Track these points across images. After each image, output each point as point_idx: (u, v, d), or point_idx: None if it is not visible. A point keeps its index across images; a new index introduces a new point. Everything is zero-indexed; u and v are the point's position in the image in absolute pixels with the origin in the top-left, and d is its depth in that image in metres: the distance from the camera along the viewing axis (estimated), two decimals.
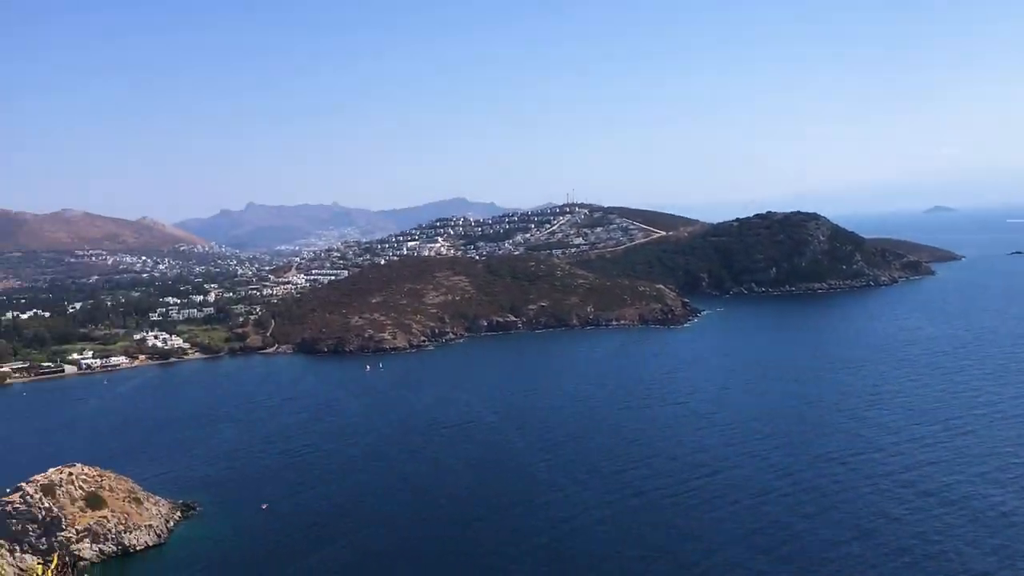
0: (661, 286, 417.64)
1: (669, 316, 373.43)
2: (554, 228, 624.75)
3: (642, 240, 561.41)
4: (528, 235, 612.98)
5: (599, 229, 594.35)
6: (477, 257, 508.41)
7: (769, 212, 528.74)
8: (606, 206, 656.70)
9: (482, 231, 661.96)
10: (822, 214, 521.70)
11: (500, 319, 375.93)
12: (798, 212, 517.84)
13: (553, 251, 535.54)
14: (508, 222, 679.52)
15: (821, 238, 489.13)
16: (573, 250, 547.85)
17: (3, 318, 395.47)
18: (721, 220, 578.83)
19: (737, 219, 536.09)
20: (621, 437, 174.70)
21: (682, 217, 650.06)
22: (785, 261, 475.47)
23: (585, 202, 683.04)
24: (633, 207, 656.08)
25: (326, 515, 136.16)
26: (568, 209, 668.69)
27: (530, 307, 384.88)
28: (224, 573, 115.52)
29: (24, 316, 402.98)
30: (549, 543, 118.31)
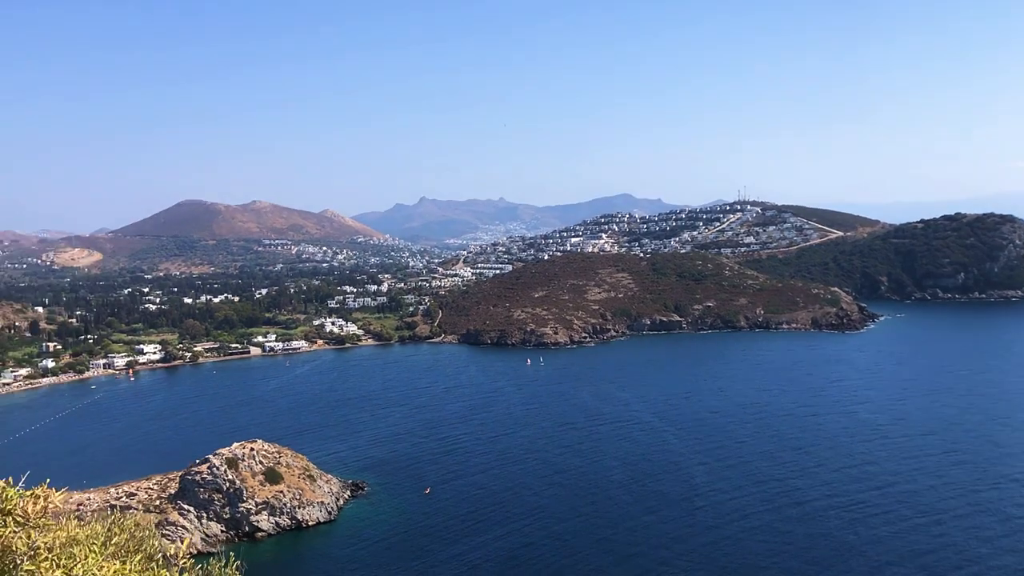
0: (836, 289, 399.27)
1: (844, 321, 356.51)
2: (723, 226, 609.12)
3: (817, 240, 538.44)
4: (696, 233, 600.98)
5: (771, 228, 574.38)
6: (642, 254, 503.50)
7: (958, 213, 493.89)
8: (779, 204, 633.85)
9: (647, 228, 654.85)
10: (1020, 217, 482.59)
11: (663, 318, 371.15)
12: (991, 214, 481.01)
13: (722, 250, 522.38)
14: (675, 219, 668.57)
15: (1018, 242, 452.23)
16: (743, 249, 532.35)
17: (198, 301, 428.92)
18: (904, 221, 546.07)
19: (922, 220, 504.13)
20: (784, 444, 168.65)
21: (860, 217, 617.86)
22: (975, 266, 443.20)
23: (757, 200, 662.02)
24: (808, 206, 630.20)
25: (484, 503, 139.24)
26: (739, 207, 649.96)
27: (695, 307, 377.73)
28: (389, 553, 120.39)
29: (216, 300, 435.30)
30: (702, 548, 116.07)
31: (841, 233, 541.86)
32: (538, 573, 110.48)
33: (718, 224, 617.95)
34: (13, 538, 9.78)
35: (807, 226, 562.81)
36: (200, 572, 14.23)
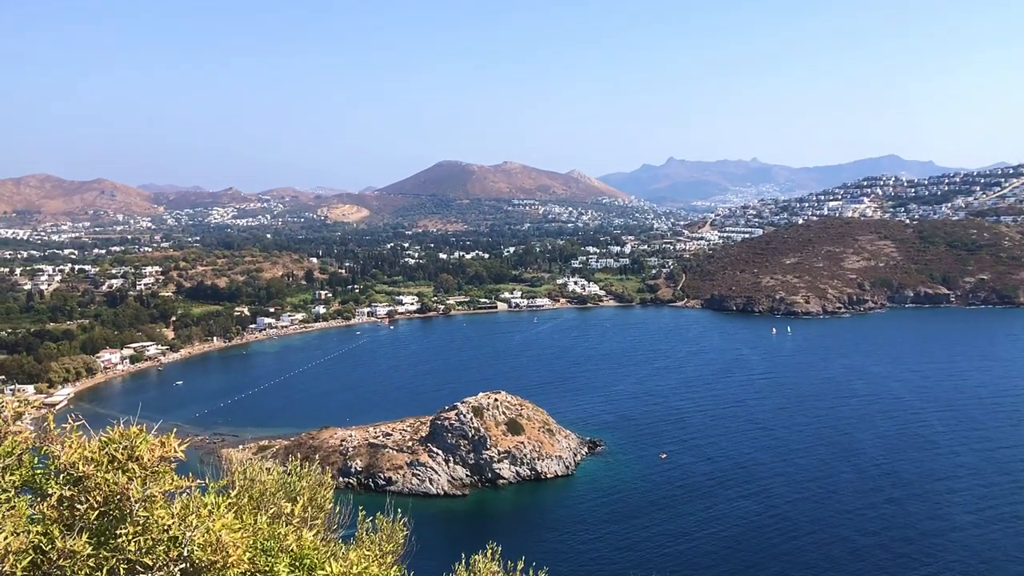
0: None
1: None
2: (1004, 191, 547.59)
3: None
4: (971, 198, 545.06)
5: None
6: (907, 221, 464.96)
7: None
8: None
9: (915, 192, 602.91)
10: None
11: (929, 291, 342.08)
12: None
13: (1001, 218, 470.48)
14: (947, 183, 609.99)
15: None
16: None
17: (451, 257, 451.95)
18: None
19: None
20: None
21: None
22: None
23: None
24: None
25: (720, 472, 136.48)
26: None
27: (967, 280, 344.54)
28: (623, 511, 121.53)
29: (468, 256, 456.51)
30: (950, 546, 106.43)
31: None
32: (780, 544, 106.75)
33: (998, 189, 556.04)
34: (129, 486, 9.81)
35: None
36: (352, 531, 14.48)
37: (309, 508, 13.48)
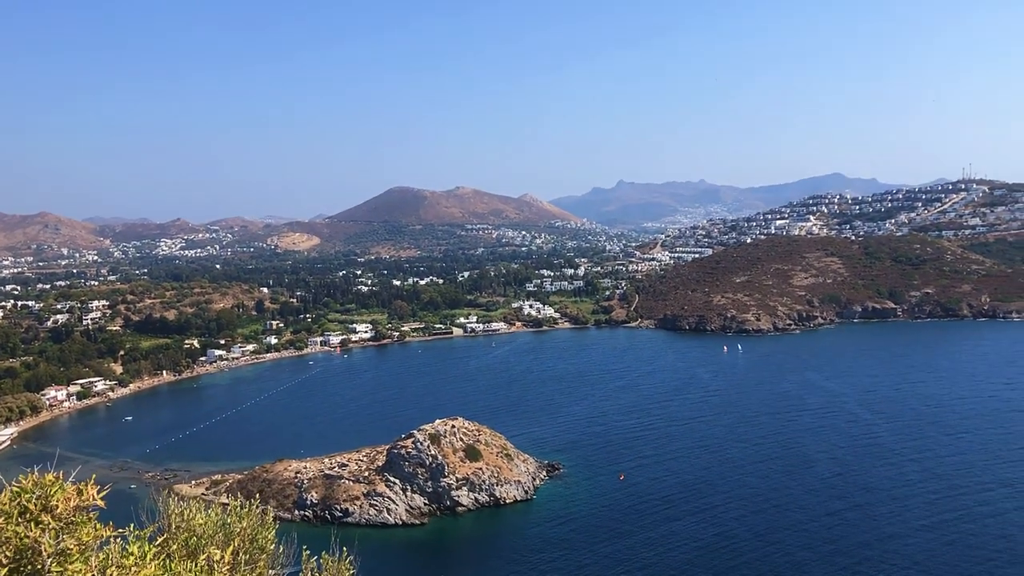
0: None
1: None
2: (945, 207, 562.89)
3: None
4: (914, 214, 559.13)
5: (1000, 209, 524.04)
6: (853, 237, 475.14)
7: None
8: (1010, 183, 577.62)
9: (860, 209, 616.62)
10: None
11: (876, 305, 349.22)
12: None
13: (943, 232, 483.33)
14: (890, 200, 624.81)
15: None
16: (967, 232, 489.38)
17: (405, 283, 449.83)
18: None
19: None
20: (1014, 443, 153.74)
21: None
22: None
23: (984, 178, 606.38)
24: None
25: (677, 492, 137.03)
26: (963, 186, 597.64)
27: (912, 293, 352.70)
28: (584, 535, 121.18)
29: (422, 282, 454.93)
30: (909, 549, 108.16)
31: None
32: (730, 564, 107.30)
33: (939, 205, 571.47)
34: (41, 538, 9.18)
35: None
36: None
37: (249, 550, 12.96)
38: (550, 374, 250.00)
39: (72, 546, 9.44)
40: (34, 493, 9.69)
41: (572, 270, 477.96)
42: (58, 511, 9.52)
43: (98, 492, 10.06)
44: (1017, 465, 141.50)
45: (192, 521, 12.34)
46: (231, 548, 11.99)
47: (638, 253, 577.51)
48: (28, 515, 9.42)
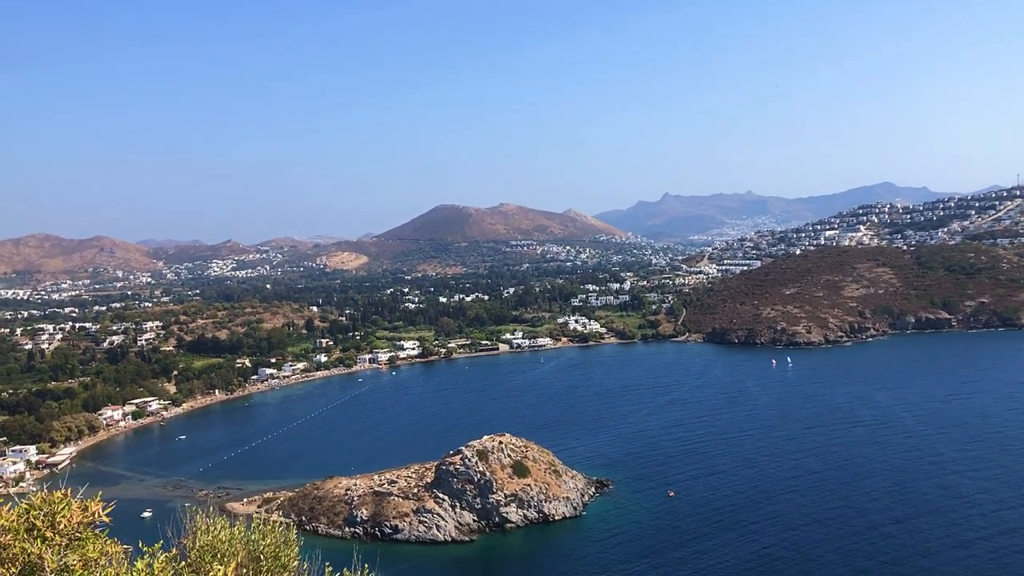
0: None
1: None
2: (999, 214, 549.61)
3: None
4: (967, 222, 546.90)
5: None
6: (905, 247, 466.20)
7: None
8: None
9: (911, 218, 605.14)
10: None
11: (930, 316, 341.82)
12: None
13: (998, 240, 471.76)
14: (943, 208, 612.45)
15: None
16: None
17: (451, 300, 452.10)
18: None
19: None
20: None
21: None
22: None
23: None
24: None
25: (727, 508, 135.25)
26: (1018, 192, 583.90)
27: (967, 303, 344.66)
28: (635, 552, 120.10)
29: (468, 299, 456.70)
30: (958, 565, 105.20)
31: None
32: None
33: (993, 212, 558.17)
34: (45, 554, 9.39)
35: None
36: None
37: (271, 567, 13.24)
38: (597, 389, 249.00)
39: (75, 562, 9.68)
40: (42, 510, 9.98)
41: (618, 284, 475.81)
42: (62, 527, 9.73)
43: (104, 508, 10.21)
44: None
45: (216, 537, 12.65)
46: (233, 564, 12.10)
47: (685, 266, 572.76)
48: (35, 531, 9.76)
